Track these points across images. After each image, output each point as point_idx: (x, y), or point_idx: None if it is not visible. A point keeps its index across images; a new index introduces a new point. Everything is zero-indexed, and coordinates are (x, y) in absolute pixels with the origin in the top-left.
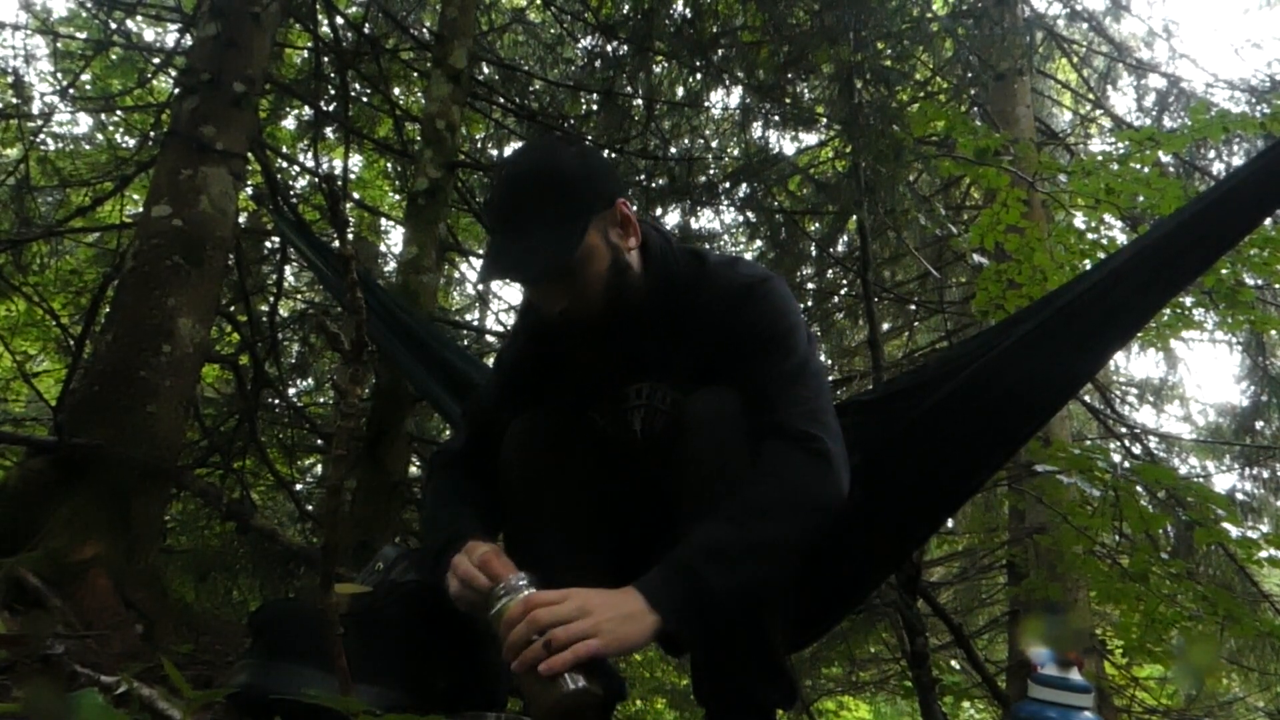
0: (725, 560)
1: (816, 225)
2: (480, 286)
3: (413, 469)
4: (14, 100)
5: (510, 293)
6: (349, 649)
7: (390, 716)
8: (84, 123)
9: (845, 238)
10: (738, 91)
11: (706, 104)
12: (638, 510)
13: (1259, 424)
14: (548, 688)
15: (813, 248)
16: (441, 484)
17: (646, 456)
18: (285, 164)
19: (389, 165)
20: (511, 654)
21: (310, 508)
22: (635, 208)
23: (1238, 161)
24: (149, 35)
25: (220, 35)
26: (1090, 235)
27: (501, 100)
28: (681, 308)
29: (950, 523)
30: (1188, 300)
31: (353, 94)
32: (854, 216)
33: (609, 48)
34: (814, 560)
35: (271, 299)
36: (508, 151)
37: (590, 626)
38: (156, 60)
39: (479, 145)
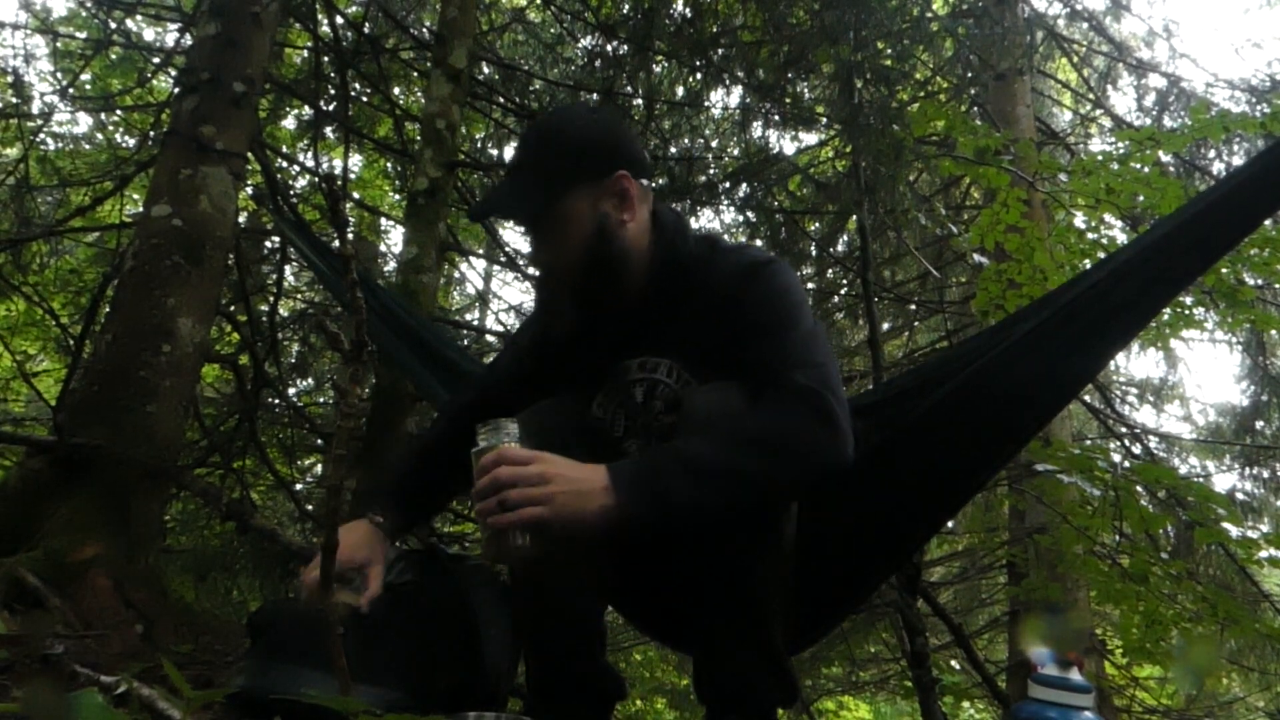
0: (696, 475)
1: (816, 225)
2: (471, 221)
3: None
4: (14, 100)
5: (510, 292)
6: (349, 649)
7: (390, 717)
8: (84, 122)
9: (845, 238)
10: (738, 91)
11: (706, 104)
12: None
13: (1259, 424)
14: (495, 536)
15: (813, 248)
16: (426, 434)
17: (649, 431)
18: (285, 164)
19: (389, 165)
20: (476, 498)
21: (310, 508)
22: (650, 186)
23: (1238, 161)
24: (149, 35)
25: (220, 35)
26: (1090, 235)
27: (501, 100)
28: (689, 287)
29: (950, 523)
30: (1188, 299)
31: (353, 94)
32: (854, 216)
33: (609, 47)
34: (815, 561)
35: (271, 299)
36: (508, 151)
37: (543, 494)
38: (156, 60)
39: (479, 145)
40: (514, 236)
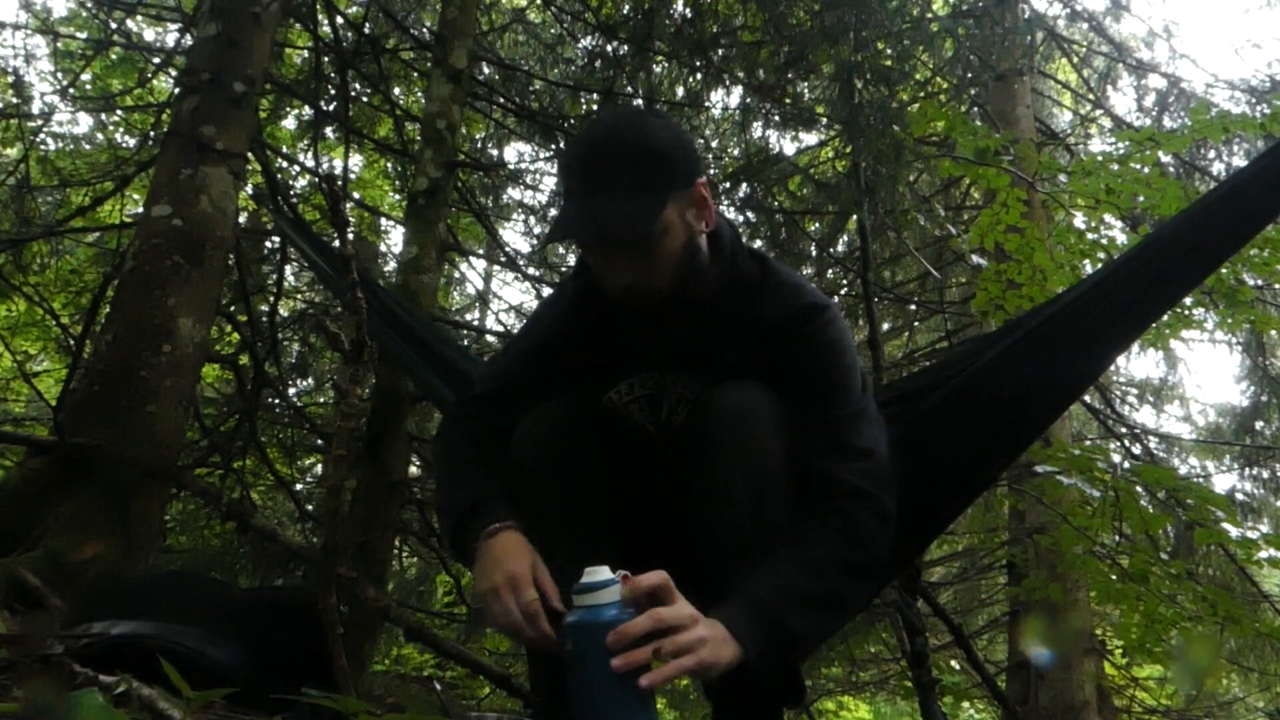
0: (808, 606)
1: (816, 225)
2: (542, 248)
3: (413, 469)
4: (14, 100)
5: (510, 292)
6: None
7: (390, 717)
8: (84, 122)
9: (845, 238)
10: (738, 91)
11: (706, 104)
12: (647, 501)
13: (1259, 424)
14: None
15: (813, 248)
16: (457, 438)
17: (664, 447)
18: (285, 164)
19: (389, 165)
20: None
21: (310, 508)
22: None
23: (1238, 162)
24: (149, 35)
25: (220, 35)
26: (1090, 235)
27: (502, 100)
28: (742, 307)
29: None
30: (1187, 300)
31: (353, 94)
32: (854, 216)
33: (609, 48)
34: None
35: (272, 299)
36: (508, 152)
37: (694, 640)
38: (157, 60)
39: (479, 145)
40: (514, 236)
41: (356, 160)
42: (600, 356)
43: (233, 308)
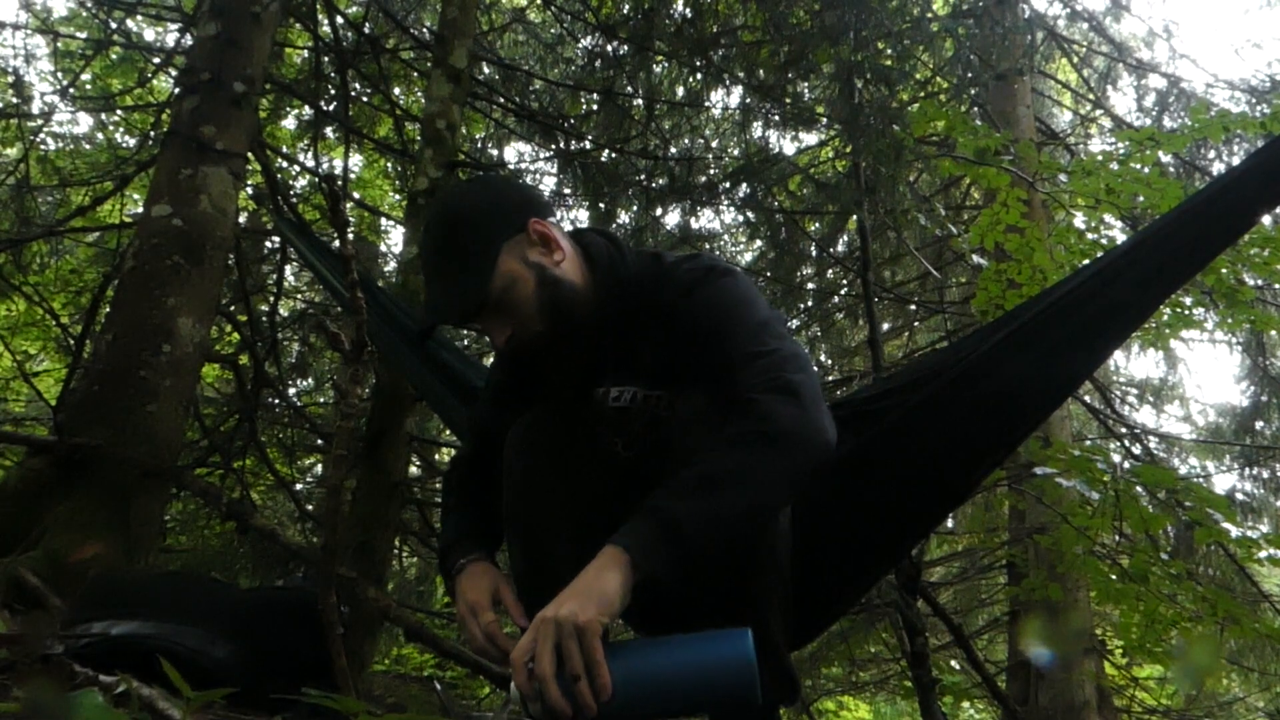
0: (687, 491)
1: (816, 225)
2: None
3: (413, 469)
4: (14, 100)
5: None
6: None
7: (390, 717)
8: (84, 122)
9: (845, 238)
10: (738, 91)
11: (706, 104)
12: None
13: (1259, 424)
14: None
15: (813, 248)
16: (450, 487)
17: (637, 457)
18: (285, 164)
19: (389, 165)
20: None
21: (310, 508)
22: (559, 220)
23: (1238, 162)
24: (149, 35)
25: (220, 35)
26: (1090, 235)
27: (502, 100)
28: (640, 307)
29: (950, 523)
30: (1187, 300)
31: (353, 94)
32: (854, 216)
33: (609, 47)
34: (810, 557)
35: (271, 299)
36: (508, 151)
37: (565, 626)
38: (157, 60)
39: (479, 145)
40: None
41: (356, 160)
42: (547, 399)
43: (233, 308)
